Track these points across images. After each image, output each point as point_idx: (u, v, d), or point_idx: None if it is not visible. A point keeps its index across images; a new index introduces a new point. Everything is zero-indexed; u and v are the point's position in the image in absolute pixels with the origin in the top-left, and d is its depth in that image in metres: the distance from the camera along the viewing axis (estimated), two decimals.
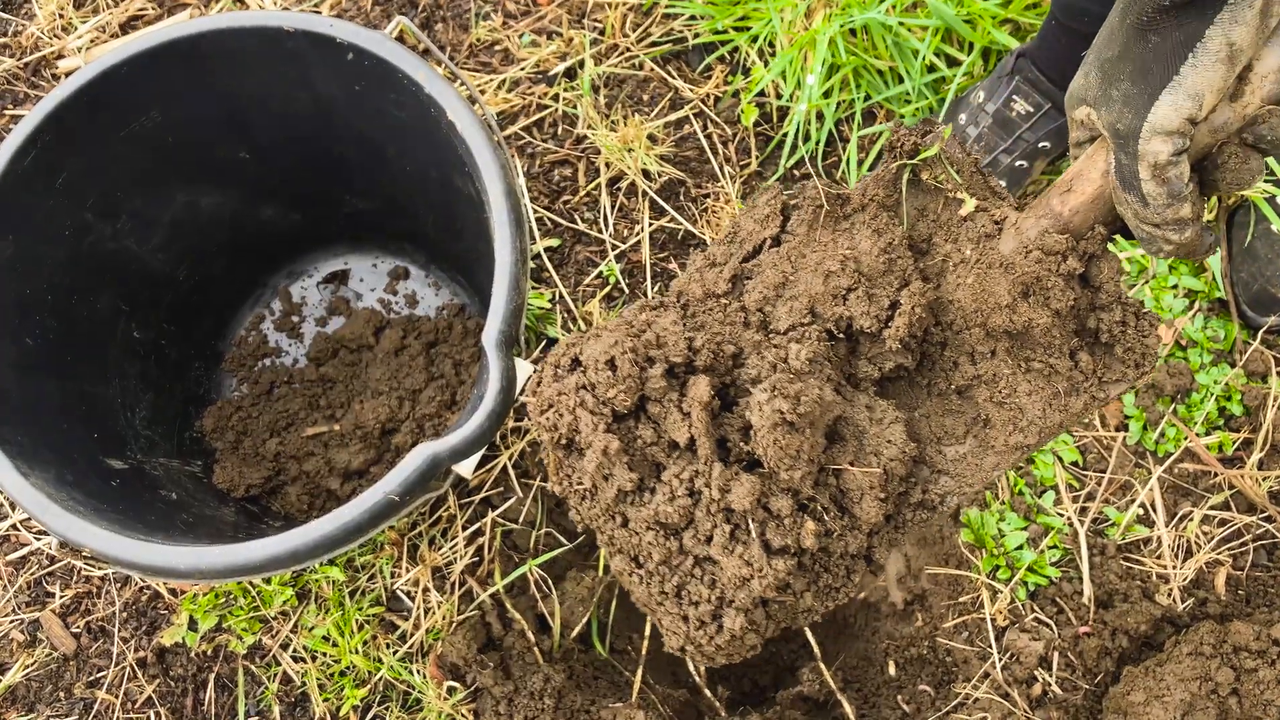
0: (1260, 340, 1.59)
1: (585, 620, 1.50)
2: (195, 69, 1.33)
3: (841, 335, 1.03)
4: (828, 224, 1.05)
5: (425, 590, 1.50)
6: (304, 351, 1.70)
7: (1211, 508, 1.52)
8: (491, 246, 1.19)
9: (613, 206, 1.74)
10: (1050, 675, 1.41)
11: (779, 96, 1.76)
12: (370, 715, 1.47)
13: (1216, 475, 1.54)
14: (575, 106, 1.80)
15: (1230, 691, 1.28)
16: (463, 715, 1.41)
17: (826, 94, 1.73)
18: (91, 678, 1.53)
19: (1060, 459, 1.56)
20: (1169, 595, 1.47)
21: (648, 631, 1.48)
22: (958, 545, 1.53)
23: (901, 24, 1.69)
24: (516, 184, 1.23)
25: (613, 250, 1.71)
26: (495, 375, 1.11)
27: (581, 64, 1.82)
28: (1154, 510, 1.52)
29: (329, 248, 1.74)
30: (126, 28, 1.94)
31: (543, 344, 1.66)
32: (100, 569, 1.58)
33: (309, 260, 1.75)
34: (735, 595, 0.90)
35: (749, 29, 1.79)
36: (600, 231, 1.73)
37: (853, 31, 1.73)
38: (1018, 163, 1.63)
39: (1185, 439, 1.55)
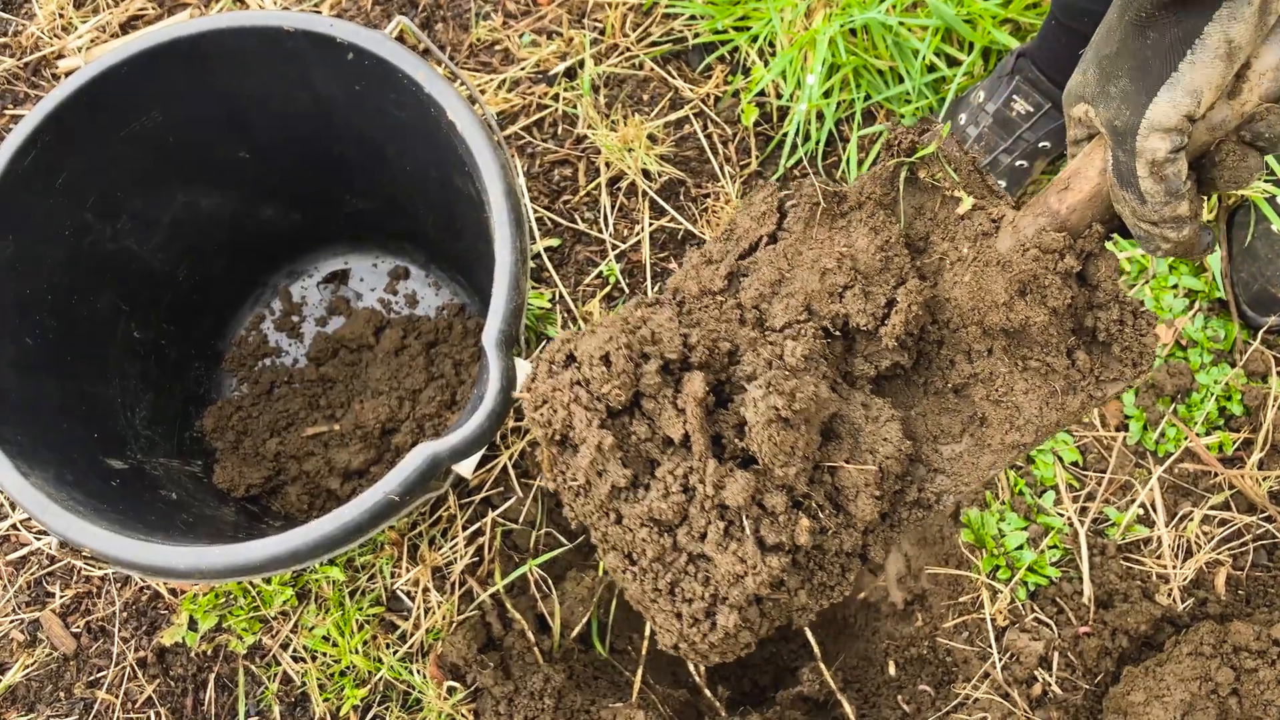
0: (1260, 340, 1.59)
1: (585, 620, 1.50)
2: (195, 69, 1.33)
3: (838, 333, 1.03)
4: (824, 221, 1.04)
5: (425, 590, 1.50)
6: (304, 351, 1.70)
7: (1211, 508, 1.52)
8: (491, 246, 1.19)
9: (613, 206, 1.74)
10: (1050, 675, 1.41)
11: (779, 96, 1.76)
12: (370, 715, 1.47)
13: (1216, 475, 1.54)
14: (575, 106, 1.80)
15: (1230, 691, 1.28)
16: (463, 715, 1.41)
17: (826, 94, 1.73)
18: (91, 678, 1.53)
19: (1060, 459, 1.56)
20: (1169, 595, 1.47)
21: (648, 631, 1.48)
22: (958, 545, 1.53)
23: (902, 24, 1.69)
24: (516, 184, 1.23)
25: (613, 250, 1.71)
26: (495, 375, 1.11)
27: (581, 64, 1.82)
28: (1154, 510, 1.52)
29: (329, 247, 1.75)
30: (127, 28, 1.94)
31: (543, 344, 1.66)
32: (100, 569, 1.58)
33: (309, 260, 1.75)
34: (729, 592, 0.90)
35: (749, 29, 1.79)
36: (600, 231, 1.73)
37: (853, 31, 1.73)
38: (1018, 163, 1.63)
39: (1185, 439, 1.55)
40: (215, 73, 1.34)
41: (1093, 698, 1.41)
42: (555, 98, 1.81)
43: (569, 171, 1.77)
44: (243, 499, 1.53)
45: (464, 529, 1.52)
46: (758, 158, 1.76)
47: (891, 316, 1.00)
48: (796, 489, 0.91)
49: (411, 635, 1.48)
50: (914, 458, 1.01)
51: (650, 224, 1.72)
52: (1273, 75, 0.74)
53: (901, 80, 1.74)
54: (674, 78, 1.81)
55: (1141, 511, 1.53)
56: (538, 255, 1.71)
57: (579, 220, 1.74)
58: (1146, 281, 1.63)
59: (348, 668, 1.48)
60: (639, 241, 1.72)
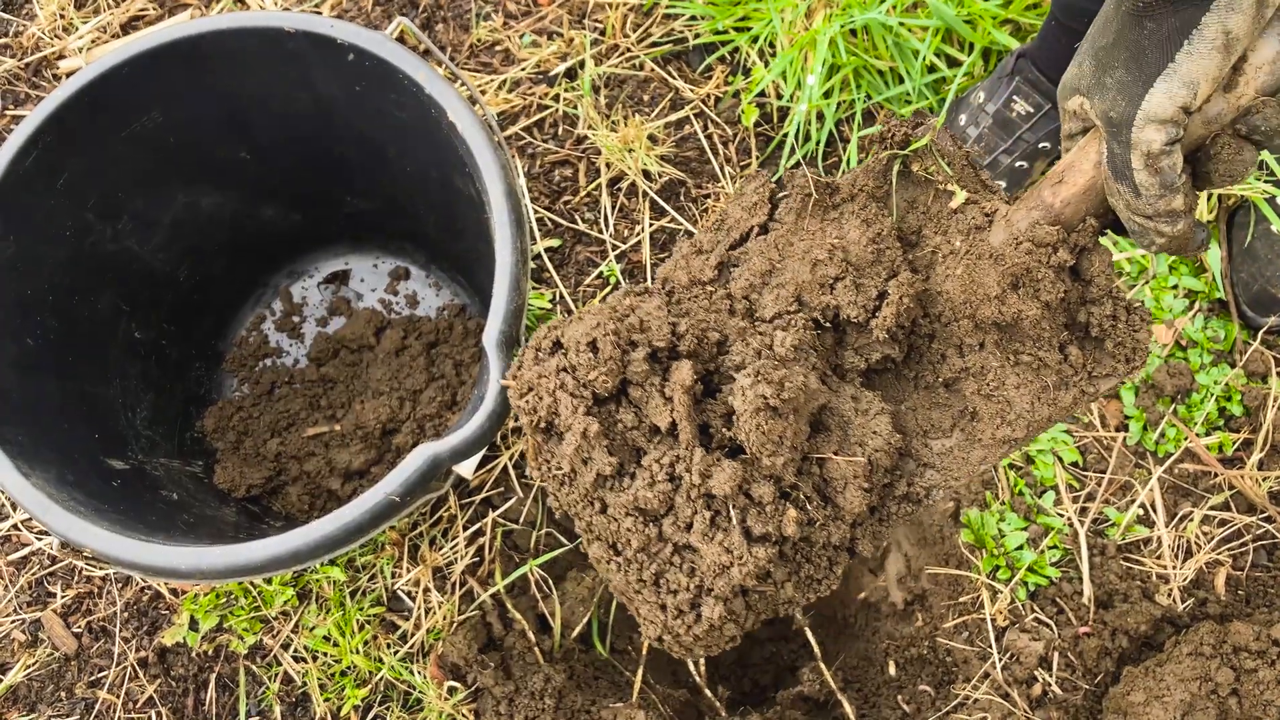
0: (1260, 340, 1.59)
1: (586, 620, 1.50)
2: (196, 69, 1.33)
3: (828, 325, 1.02)
4: (816, 213, 1.04)
5: (426, 590, 1.50)
6: (305, 352, 1.70)
7: (1211, 508, 1.52)
8: (492, 247, 1.19)
9: (613, 207, 1.74)
10: (1050, 675, 1.41)
11: (779, 97, 1.76)
12: (371, 715, 1.48)
13: (1216, 475, 1.54)
14: (576, 107, 1.80)
15: (1230, 692, 1.28)
16: (463, 715, 1.41)
17: (827, 94, 1.73)
18: (93, 678, 1.53)
19: (1060, 459, 1.56)
20: (1169, 595, 1.47)
21: None
22: (958, 545, 1.53)
23: (902, 24, 1.69)
24: (517, 184, 1.23)
25: (613, 250, 1.71)
26: (496, 376, 1.11)
27: (582, 64, 1.82)
28: (1154, 510, 1.52)
29: (330, 248, 1.75)
30: (127, 28, 1.95)
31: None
32: (101, 569, 1.58)
33: (310, 260, 1.75)
34: (714, 583, 0.89)
35: (749, 29, 1.79)
36: (601, 232, 1.73)
37: (853, 32, 1.73)
38: (1018, 163, 1.63)
39: (1185, 439, 1.55)
40: (216, 73, 1.34)
41: (1093, 698, 1.41)
42: (556, 98, 1.81)
43: (569, 172, 1.78)
44: (243, 499, 1.53)
45: (465, 529, 1.52)
46: (758, 158, 1.76)
47: (883, 309, 0.99)
48: (784, 479, 0.90)
49: (412, 635, 1.48)
50: (904, 452, 1.01)
51: (651, 224, 1.72)
52: (1269, 69, 0.74)
53: (902, 81, 1.75)
54: (674, 78, 1.82)
55: (1141, 512, 1.53)
56: (538, 256, 1.71)
57: (579, 221, 1.74)
58: (1147, 282, 1.63)
59: (348, 668, 1.48)
60: (639, 242, 1.72)
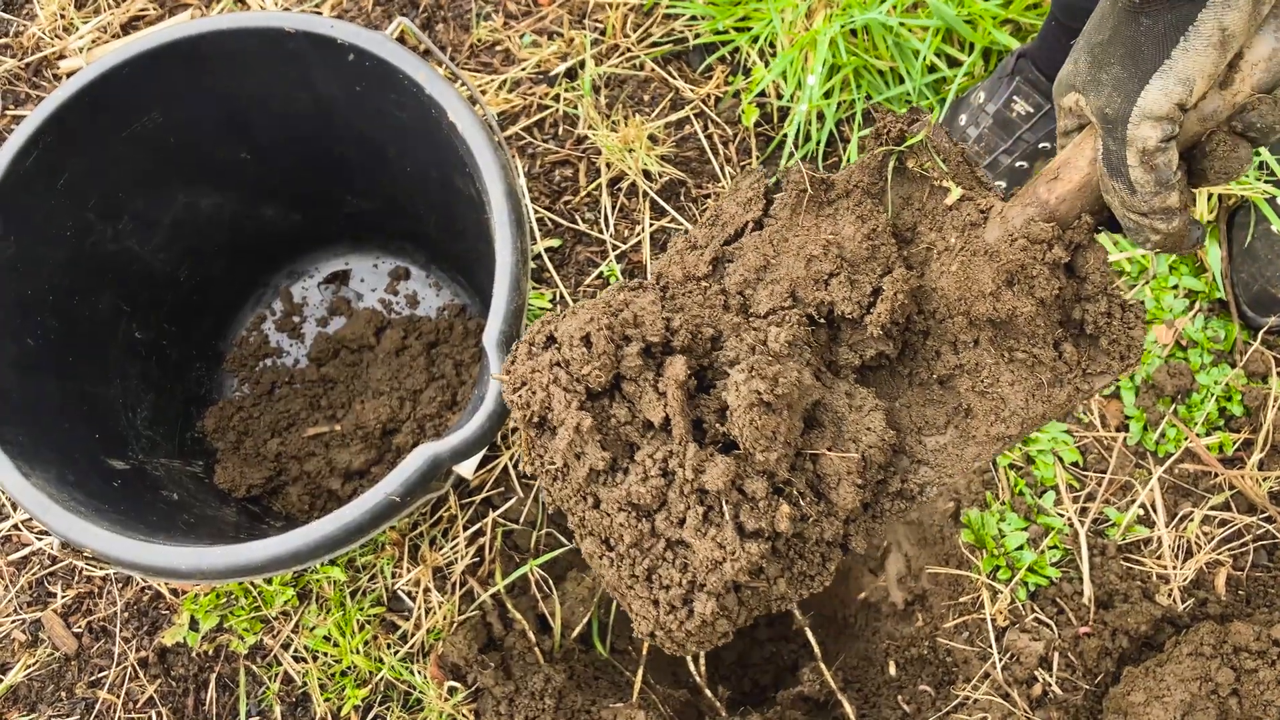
0: (1260, 341, 1.59)
1: (586, 620, 1.50)
2: (196, 70, 1.33)
3: (823, 321, 1.02)
4: (811, 209, 1.04)
5: (426, 590, 1.50)
6: (305, 352, 1.70)
7: (1212, 508, 1.52)
8: (492, 247, 1.19)
9: (613, 207, 1.74)
10: (1050, 675, 1.41)
11: (780, 97, 1.77)
12: (371, 715, 1.48)
13: (1217, 475, 1.54)
14: (576, 107, 1.80)
15: (1230, 692, 1.28)
16: (463, 715, 1.41)
17: (827, 94, 1.73)
18: (93, 678, 1.53)
19: (1060, 459, 1.56)
20: (1169, 595, 1.47)
21: None
22: (958, 545, 1.53)
23: (902, 24, 1.69)
24: (517, 184, 1.23)
25: (613, 250, 1.71)
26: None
27: (582, 64, 1.82)
28: (1154, 510, 1.52)
29: (330, 248, 1.75)
30: (128, 28, 1.95)
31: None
32: (102, 569, 1.58)
33: (310, 260, 1.75)
34: (707, 579, 0.89)
35: (750, 29, 1.79)
36: (601, 232, 1.73)
37: (853, 32, 1.73)
38: (1018, 164, 1.63)
39: (1185, 439, 1.55)
40: (216, 74, 1.35)
41: (1093, 698, 1.41)
42: (556, 98, 1.81)
43: (570, 172, 1.78)
44: (244, 499, 1.54)
45: (465, 529, 1.53)
46: (759, 158, 1.76)
47: (877, 305, 0.99)
48: (778, 475, 0.90)
49: (412, 635, 1.48)
50: (897, 448, 1.00)
51: (651, 224, 1.73)
52: (1265, 65, 0.74)
53: (902, 81, 1.75)
54: (675, 78, 1.82)
55: (1141, 512, 1.53)
56: (538, 256, 1.71)
57: (580, 221, 1.74)
58: (1147, 282, 1.63)
59: (349, 668, 1.48)
60: (639, 242, 1.72)
